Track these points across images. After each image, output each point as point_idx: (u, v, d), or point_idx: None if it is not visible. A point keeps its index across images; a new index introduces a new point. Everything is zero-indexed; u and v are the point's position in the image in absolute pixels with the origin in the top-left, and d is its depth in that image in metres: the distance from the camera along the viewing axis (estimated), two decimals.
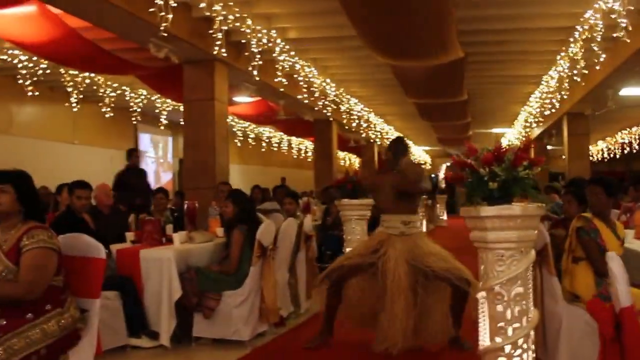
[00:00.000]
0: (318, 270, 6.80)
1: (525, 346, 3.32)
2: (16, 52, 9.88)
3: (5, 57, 9.83)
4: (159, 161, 18.70)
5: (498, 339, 3.31)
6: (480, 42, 9.99)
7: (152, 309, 5.33)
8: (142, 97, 13.54)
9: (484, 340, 3.42)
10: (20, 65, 10.15)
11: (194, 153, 9.08)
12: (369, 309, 5.10)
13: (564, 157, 15.95)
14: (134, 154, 9.72)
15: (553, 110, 12.78)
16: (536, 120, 15.60)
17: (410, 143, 26.67)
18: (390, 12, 6.51)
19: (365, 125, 16.94)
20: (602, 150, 25.66)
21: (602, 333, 2.80)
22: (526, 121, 16.92)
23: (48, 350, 3.02)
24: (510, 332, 3.29)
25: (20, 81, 10.34)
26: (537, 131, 18.70)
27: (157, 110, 14.22)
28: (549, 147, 20.81)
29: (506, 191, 3.25)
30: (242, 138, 18.37)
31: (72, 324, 3.21)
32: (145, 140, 17.75)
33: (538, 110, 14.21)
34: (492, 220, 3.20)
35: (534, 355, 3.44)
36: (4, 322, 2.99)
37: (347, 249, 6.88)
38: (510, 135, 22.17)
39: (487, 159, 3.26)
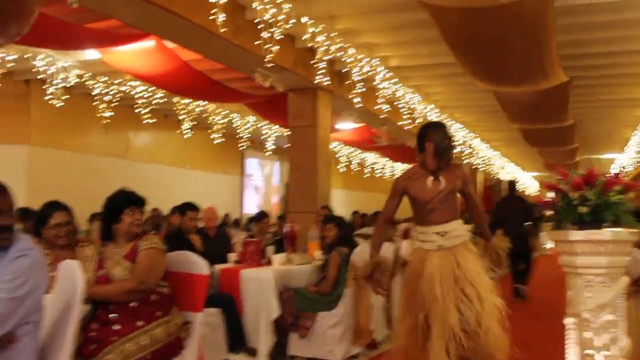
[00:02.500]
0: None
1: None
2: (135, 83, 10.62)
3: (125, 88, 10.59)
4: (266, 185, 19.31)
5: None
6: (586, 66, 9.75)
7: (251, 326, 5.56)
8: (250, 123, 14.09)
9: None
10: (137, 96, 10.90)
11: (297, 177, 9.38)
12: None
13: None
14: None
15: None
16: None
17: (518, 169, 26.12)
18: (487, 39, 6.55)
19: (468, 151, 16.77)
20: None
21: None
22: (639, 145, 16.20)
23: (153, 356, 3.30)
24: (598, 359, 3.24)
25: (138, 110, 11.10)
26: None
27: (263, 137, 14.76)
28: None
29: (597, 216, 3.23)
30: (346, 163, 18.65)
31: (177, 332, 3.49)
32: (252, 165, 18.40)
33: None
34: (581, 245, 3.19)
35: None
36: (119, 327, 3.32)
37: None
38: (621, 161, 21.21)
39: (577, 184, 3.26)
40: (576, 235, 3.19)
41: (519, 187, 28.85)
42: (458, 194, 4.35)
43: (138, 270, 3.48)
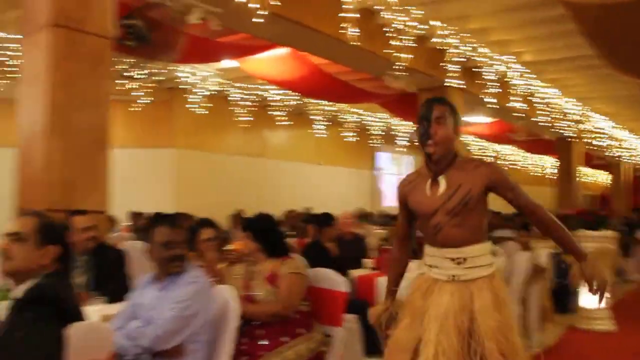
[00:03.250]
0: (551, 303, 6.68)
1: None
2: (269, 87, 11.09)
3: (260, 92, 11.07)
4: (398, 179, 19.37)
5: None
6: None
7: None
8: (382, 120, 14.24)
9: None
10: (272, 98, 11.37)
11: None
12: None
13: None
14: None
15: None
16: None
17: None
18: (629, 34, 6.25)
19: (611, 143, 15.94)
20: None
21: None
22: None
23: None
24: None
25: (273, 112, 11.58)
26: None
27: (393, 132, 14.86)
28: None
29: None
30: (478, 156, 18.37)
31: (318, 347, 3.71)
32: (384, 159, 18.55)
33: None
34: None
35: None
36: (266, 342, 3.57)
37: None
38: None
39: None
40: None
41: None
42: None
43: (281, 297, 3.67)
